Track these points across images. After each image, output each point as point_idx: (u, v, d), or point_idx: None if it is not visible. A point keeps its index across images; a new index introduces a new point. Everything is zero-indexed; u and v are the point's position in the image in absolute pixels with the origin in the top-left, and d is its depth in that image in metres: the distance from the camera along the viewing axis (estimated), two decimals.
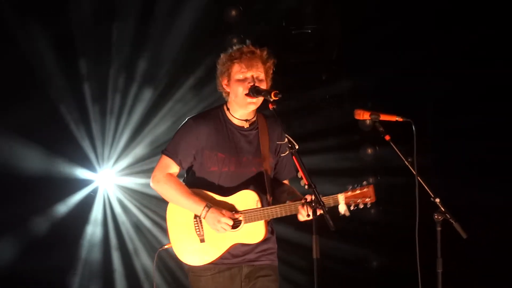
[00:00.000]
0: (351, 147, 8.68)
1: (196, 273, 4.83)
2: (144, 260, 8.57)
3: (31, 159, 7.89)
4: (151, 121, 8.48)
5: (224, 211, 4.67)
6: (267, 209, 4.72)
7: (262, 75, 4.82)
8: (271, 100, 4.54)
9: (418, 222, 4.59)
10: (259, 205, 4.74)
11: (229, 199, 4.76)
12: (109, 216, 8.54)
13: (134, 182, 8.59)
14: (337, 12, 8.57)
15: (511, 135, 7.56)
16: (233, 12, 8.42)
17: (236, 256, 4.81)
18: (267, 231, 4.78)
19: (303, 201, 4.58)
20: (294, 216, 4.71)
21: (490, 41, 7.64)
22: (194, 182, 4.85)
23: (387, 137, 4.74)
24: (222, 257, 4.78)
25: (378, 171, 8.73)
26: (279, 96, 4.53)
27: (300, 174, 4.42)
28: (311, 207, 4.15)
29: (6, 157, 7.73)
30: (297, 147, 4.53)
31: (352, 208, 4.74)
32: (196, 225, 4.74)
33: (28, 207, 7.87)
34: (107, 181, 8.56)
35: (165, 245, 4.83)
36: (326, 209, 4.10)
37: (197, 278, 4.83)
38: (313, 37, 8.67)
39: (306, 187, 4.34)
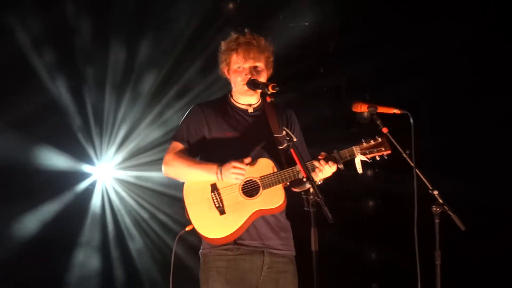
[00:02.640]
0: (349, 140, 8.64)
1: (217, 252, 4.75)
2: (142, 252, 8.58)
3: (29, 153, 7.89)
4: (149, 114, 8.48)
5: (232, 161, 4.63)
6: (282, 172, 4.70)
7: (260, 65, 4.87)
8: (269, 92, 4.57)
9: (416, 214, 4.59)
10: (275, 170, 4.72)
11: (245, 168, 4.72)
12: (107, 209, 8.55)
13: (132, 175, 8.60)
14: (334, 5, 8.56)
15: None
16: (230, 5, 8.42)
17: (256, 239, 4.76)
18: (285, 195, 4.74)
19: (320, 156, 4.69)
20: (295, 209, 4.72)
21: (488, 37, 7.66)
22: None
23: (385, 130, 4.74)
24: (243, 237, 4.72)
25: (376, 163, 8.71)
26: (276, 89, 4.56)
27: (298, 167, 4.43)
28: (310, 199, 4.17)
29: (3, 151, 7.71)
30: (295, 139, 4.53)
31: (369, 159, 4.80)
32: (215, 198, 4.69)
33: (26, 201, 7.86)
34: (105, 175, 8.57)
35: (185, 227, 4.74)
36: (324, 202, 4.10)
37: (217, 258, 4.75)
38: (310, 30, 8.66)
39: (304, 179, 4.34)
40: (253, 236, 4.76)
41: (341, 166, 4.76)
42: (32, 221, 7.92)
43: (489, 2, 7.68)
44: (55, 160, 8.06)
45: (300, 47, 8.70)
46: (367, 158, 4.82)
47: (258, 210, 4.71)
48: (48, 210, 8.01)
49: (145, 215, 8.62)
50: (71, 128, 8.20)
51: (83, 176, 8.41)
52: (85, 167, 8.40)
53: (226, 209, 4.69)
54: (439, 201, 4.55)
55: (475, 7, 7.67)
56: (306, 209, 4.25)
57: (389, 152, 4.79)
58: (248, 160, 4.67)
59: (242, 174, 4.63)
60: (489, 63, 7.63)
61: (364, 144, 4.82)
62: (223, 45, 4.95)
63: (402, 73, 8.14)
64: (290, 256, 4.90)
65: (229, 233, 4.68)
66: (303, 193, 4.32)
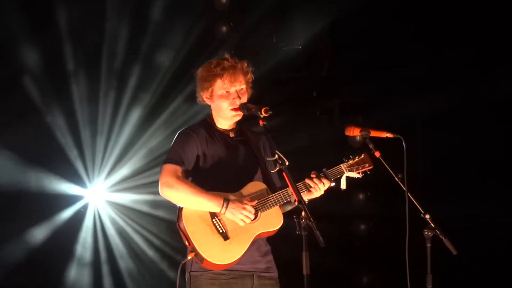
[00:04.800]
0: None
1: (210, 276, 4.72)
2: (134, 274, 8.55)
3: (20, 175, 7.87)
4: (142, 136, 8.48)
5: (244, 202, 4.63)
6: (278, 193, 4.70)
7: (244, 87, 4.86)
8: (261, 116, 4.55)
9: (408, 238, 4.59)
10: (270, 193, 4.72)
11: (239, 193, 4.71)
12: (99, 232, 8.52)
13: (125, 198, 8.57)
14: (327, 29, 8.59)
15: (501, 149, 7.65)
16: (224, 28, 8.45)
17: (246, 263, 4.73)
18: (283, 216, 4.74)
19: (312, 175, 4.76)
20: (285, 234, 4.72)
21: (479, 58, 7.71)
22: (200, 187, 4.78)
23: (377, 154, 4.75)
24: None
25: (368, 187, 8.73)
26: (269, 112, 4.54)
27: (291, 190, 4.43)
28: (301, 223, 4.16)
29: None
30: (287, 163, 4.53)
31: (356, 176, 4.86)
32: (216, 224, 4.64)
33: (17, 223, 7.82)
34: (97, 197, 8.54)
35: (188, 255, 4.68)
36: (315, 225, 4.09)
37: (209, 282, 4.71)
38: (303, 53, 8.69)
39: (296, 203, 4.33)
40: (243, 260, 4.72)
41: (332, 183, 4.81)
42: (19, 246, 7.87)
43: (482, 26, 7.73)
44: (47, 182, 8.03)
45: (293, 70, 8.72)
46: (357, 173, 4.87)
47: (260, 233, 4.71)
48: (39, 232, 7.97)
49: (138, 239, 8.58)
50: (62, 150, 8.18)
51: (75, 198, 8.38)
52: (77, 190, 8.37)
53: (229, 234, 4.65)
54: (431, 225, 4.54)
55: (466, 30, 7.74)
56: (298, 232, 4.24)
57: (371, 167, 4.87)
58: (254, 202, 4.67)
59: (249, 218, 4.61)
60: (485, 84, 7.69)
61: (350, 161, 4.88)
62: (203, 72, 4.88)
63: (395, 96, 8.16)
64: (275, 278, 4.90)
65: (236, 258, 4.65)
66: (295, 216, 4.31)
